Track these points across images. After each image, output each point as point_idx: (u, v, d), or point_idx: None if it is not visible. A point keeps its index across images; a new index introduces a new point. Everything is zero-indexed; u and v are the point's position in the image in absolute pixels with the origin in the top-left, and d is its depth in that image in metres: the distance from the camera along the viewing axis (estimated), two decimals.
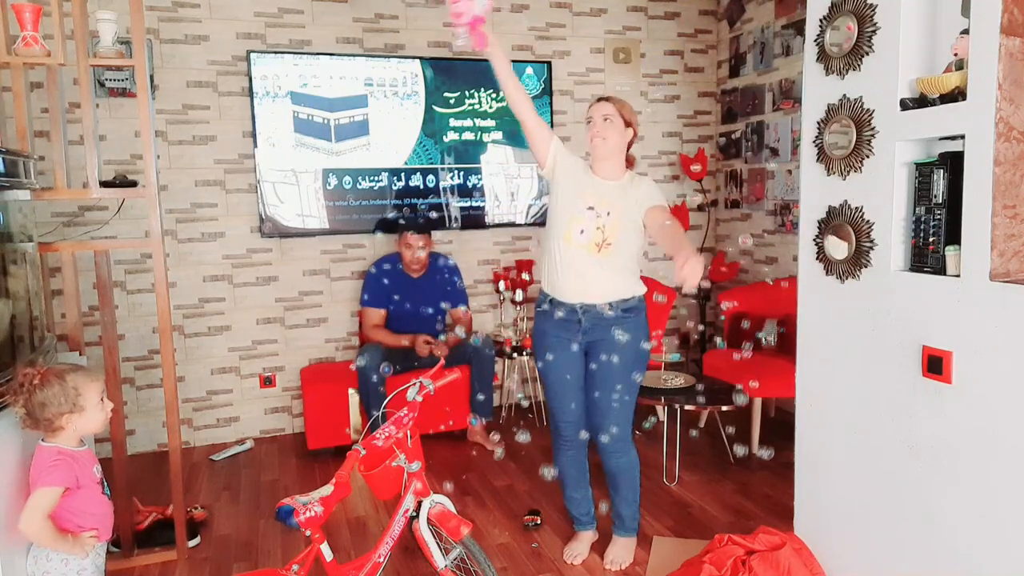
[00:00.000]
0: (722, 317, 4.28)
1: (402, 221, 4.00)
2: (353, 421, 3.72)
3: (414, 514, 2.14)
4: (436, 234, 4.14)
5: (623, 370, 2.46)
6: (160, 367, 2.89)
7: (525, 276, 4.26)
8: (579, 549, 2.67)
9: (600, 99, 2.51)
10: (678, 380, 3.44)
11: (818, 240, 2.23)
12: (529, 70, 4.29)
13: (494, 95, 4.23)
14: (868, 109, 2.02)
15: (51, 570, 1.80)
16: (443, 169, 4.20)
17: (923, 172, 1.91)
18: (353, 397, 3.70)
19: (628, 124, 2.48)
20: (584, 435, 2.59)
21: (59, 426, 1.80)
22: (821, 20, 2.16)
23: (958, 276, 1.81)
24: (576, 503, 2.68)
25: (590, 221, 2.41)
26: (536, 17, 4.35)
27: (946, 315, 1.83)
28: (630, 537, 2.66)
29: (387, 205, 4.11)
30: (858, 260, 2.08)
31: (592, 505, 2.71)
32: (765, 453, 3.42)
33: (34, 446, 1.87)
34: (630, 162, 2.56)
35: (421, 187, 4.16)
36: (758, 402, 3.62)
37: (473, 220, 4.30)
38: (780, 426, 3.86)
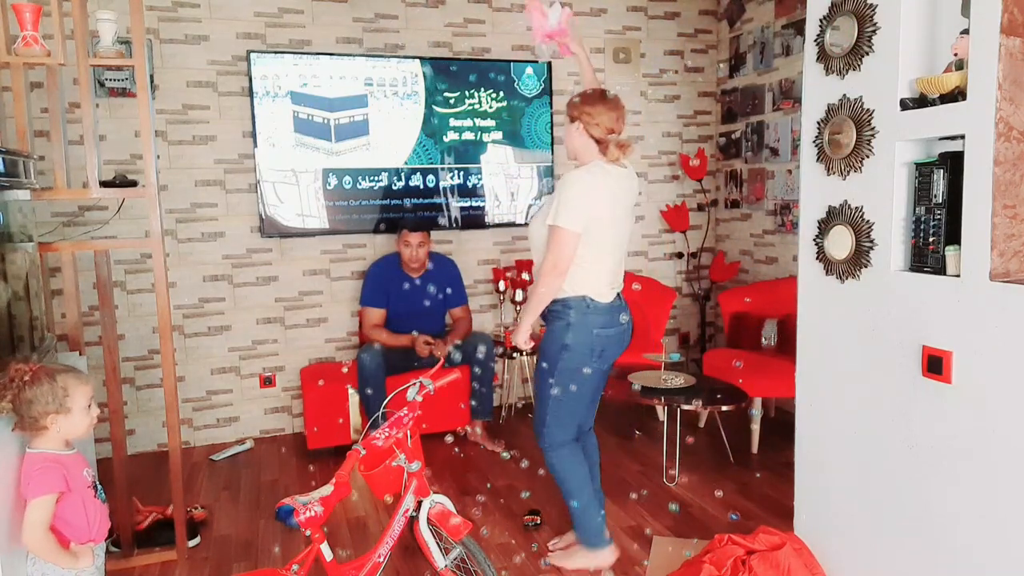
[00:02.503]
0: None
1: (401, 221, 3.99)
2: (353, 421, 3.72)
3: (414, 514, 2.14)
4: (436, 234, 4.15)
5: (539, 373, 2.50)
6: (160, 367, 2.89)
7: (525, 276, 4.26)
8: (562, 541, 2.71)
9: None
10: (678, 380, 3.44)
11: (818, 240, 2.23)
12: (529, 70, 4.29)
13: (494, 95, 4.23)
14: (868, 109, 2.02)
15: (49, 572, 1.79)
16: (443, 169, 4.20)
17: (923, 172, 1.91)
18: (353, 397, 3.70)
19: (573, 119, 2.42)
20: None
21: (43, 426, 1.78)
22: (821, 20, 2.16)
23: (958, 276, 1.81)
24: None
25: None
26: None
27: (946, 315, 1.83)
28: (580, 545, 2.59)
29: (387, 205, 4.11)
30: (858, 260, 2.08)
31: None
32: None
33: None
34: (603, 148, 2.42)
35: (421, 187, 4.16)
36: (758, 402, 3.62)
37: (473, 220, 4.30)
38: (780, 426, 3.86)
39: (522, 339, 2.46)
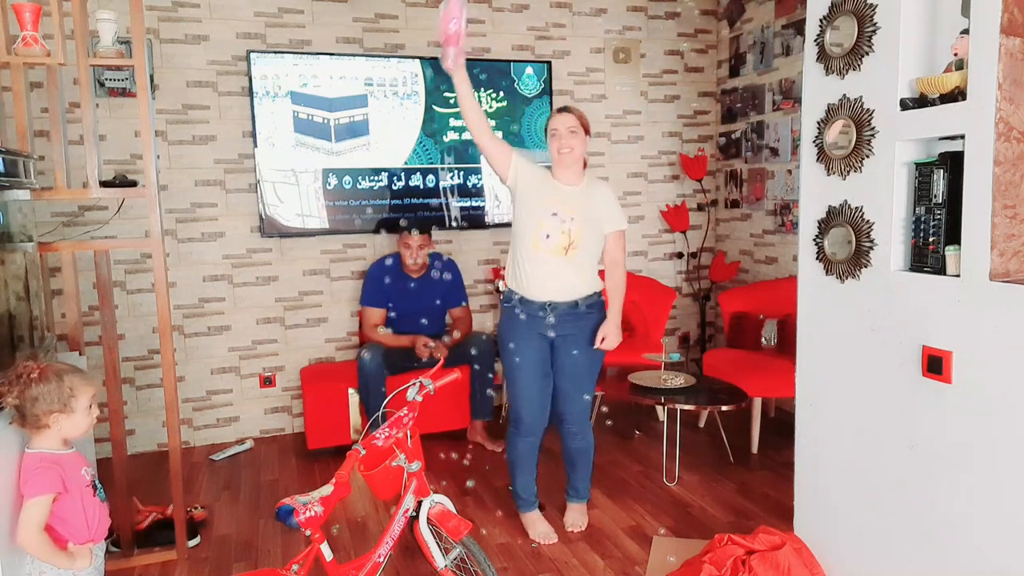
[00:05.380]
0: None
1: (403, 222, 3.99)
2: (353, 421, 3.72)
3: (414, 514, 2.14)
4: (436, 234, 4.14)
5: (588, 361, 2.71)
6: (160, 367, 2.89)
7: None
8: (544, 527, 2.82)
9: (561, 110, 2.68)
10: (678, 380, 3.43)
11: (818, 240, 2.23)
12: (529, 70, 4.29)
13: (494, 95, 4.23)
14: (868, 109, 2.02)
15: (47, 571, 1.79)
16: (443, 169, 4.20)
17: (923, 172, 1.91)
18: (353, 397, 3.70)
19: (587, 132, 2.68)
20: (543, 423, 2.78)
21: (44, 424, 1.77)
22: (821, 20, 2.16)
23: (958, 276, 1.81)
24: (526, 486, 2.86)
25: (555, 226, 2.60)
26: (536, 17, 4.35)
27: (946, 315, 1.83)
28: (583, 503, 2.94)
29: (387, 205, 4.11)
30: (858, 260, 2.08)
31: (536, 485, 2.89)
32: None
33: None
34: (584, 163, 2.73)
35: (421, 187, 4.16)
36: (758, 402, 3.62)
37: (473, 220, 4.30)
38: (780, 426, 3.87)
39: (616, 342, 2.67)
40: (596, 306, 2.69)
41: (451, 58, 2.47)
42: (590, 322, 2.67)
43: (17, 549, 1.77)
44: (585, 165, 2.73)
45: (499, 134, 4.25)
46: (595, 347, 2.65)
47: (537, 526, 2.82)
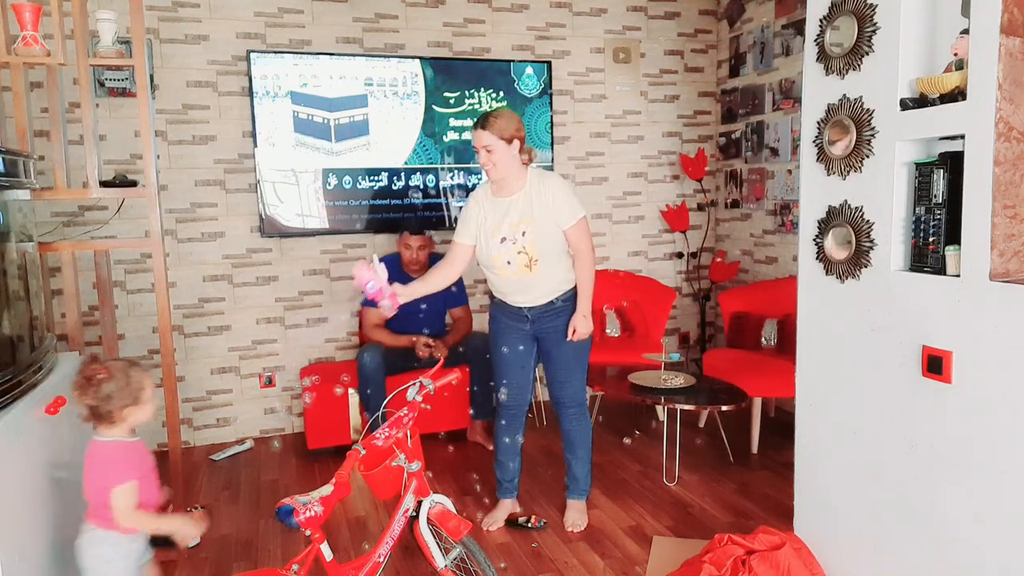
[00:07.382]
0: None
1: (427, 229, 3.98)
2: (353, 421, 3.72)
3: (414, 514, 2.14)
4: (436, 234, 4.15)
5: (573, 350, 2.78)
6: (160, 367, 2.89)
7: None
8: (496, 516, 2.92)
9: (474, 126, 2.63)
10: (678, 380, 3.43)
11: (818, 240, 2.23)
12: (529, 70, 4.29)
13: (494, 95, 4.23)
14: (868, 109, 2.02)
15: (103, 553, 1.84)
16: (443, 169, 4.20)
17: (923, 172, 1.91)
18: (353, 397, 3.70)
19: (510, 140, 2.58)
20: (523, 404, 2.88)
21: (120, 418, 1.86)
22: (821, 20, 2.16)
23: (958, 276, 1.81)
24: (504, 468, 2.94)
25: (510, 251, 2.65)
26: (536, 17, 4.35)
27: (946, 315, 1.83)
28: (582, 500, 2.96)
29: (387, 205, 4.11)
30: (858, 260, 2.08)
31: (516, 476, 2.97)
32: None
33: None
34: (528, 157, 2.67)
35: (421, 187, 4.16)
36: (758, 402, 3.62)
37: None
38: (780, 426, 3.87)
39: (588, 330, 2.73)
40: (573, 298, 2.76)
41: (387, 308, 2.50)
42: (568, 315, 2.75)
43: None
44: (530, 161, 2.67)
45: None
46: (568, 339, 2.72)
47: (495, 512, 2.94)
